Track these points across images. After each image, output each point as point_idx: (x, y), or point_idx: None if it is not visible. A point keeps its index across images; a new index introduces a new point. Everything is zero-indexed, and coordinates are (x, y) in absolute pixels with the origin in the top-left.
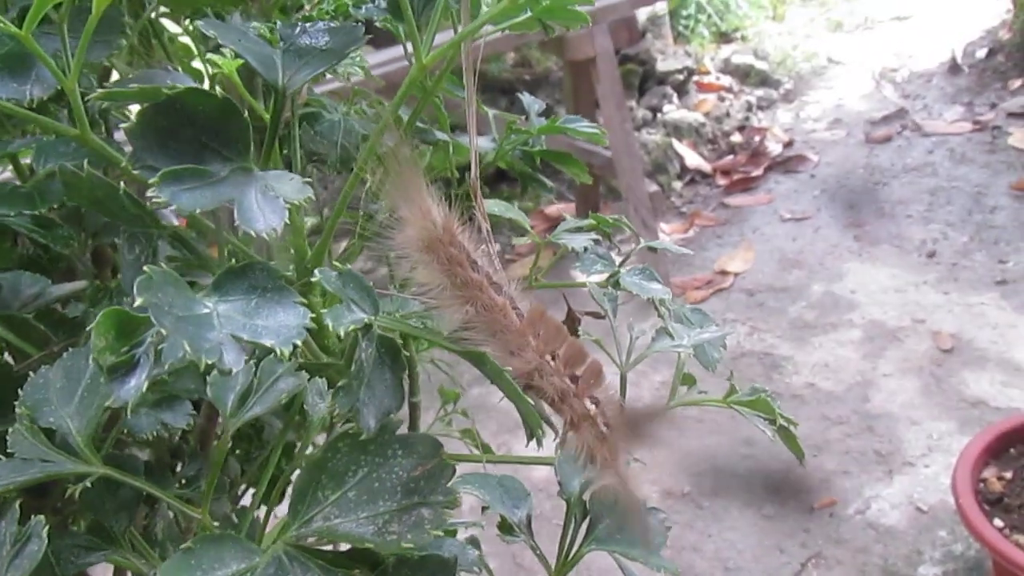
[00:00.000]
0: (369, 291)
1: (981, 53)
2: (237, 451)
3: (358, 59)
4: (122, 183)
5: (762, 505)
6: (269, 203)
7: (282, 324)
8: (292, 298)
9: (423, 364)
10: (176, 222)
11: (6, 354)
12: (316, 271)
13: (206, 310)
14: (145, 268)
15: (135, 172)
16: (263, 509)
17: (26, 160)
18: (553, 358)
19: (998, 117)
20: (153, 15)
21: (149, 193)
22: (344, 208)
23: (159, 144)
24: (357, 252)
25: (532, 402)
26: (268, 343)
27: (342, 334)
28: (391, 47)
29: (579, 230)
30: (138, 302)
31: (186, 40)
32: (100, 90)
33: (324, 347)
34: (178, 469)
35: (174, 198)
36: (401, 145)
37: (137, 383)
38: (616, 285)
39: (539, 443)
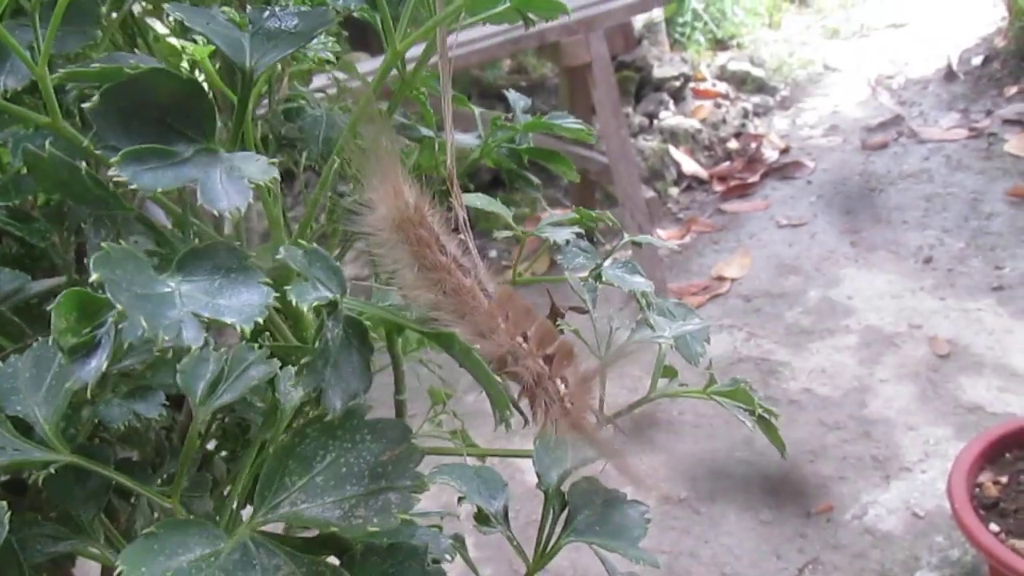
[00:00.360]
0: (336, 271)
1: (977, 60)
2: (223, 452)
3: (330, 44)
4: (84, 163)
5: (759, 510)
6: (234, 183)
7: (245, 303)
8: (257, 278)
9: (416, 370)
10: (166, 220)
11: None
12: (280, 248)
13: (168, 289)
14: (103, 245)
15: (97, 152)
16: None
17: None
18: (524, 339)
19: (994, 124)
20: (138, 12)
21: (110, 173)
22: (324, 192)
23: (121, 124)
24: (333, 237)
25: (500, 381)
26: (229, 321)
27: (305, 310)
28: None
29: (562, 224)
30: (93, 277)
31: (173, 41)
32: (61, 71)
33: (303, 339)
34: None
35: (135, 178)
36: (378, 128)
37: (98, 364)
38: (598, 278)
39: (507, 427)
